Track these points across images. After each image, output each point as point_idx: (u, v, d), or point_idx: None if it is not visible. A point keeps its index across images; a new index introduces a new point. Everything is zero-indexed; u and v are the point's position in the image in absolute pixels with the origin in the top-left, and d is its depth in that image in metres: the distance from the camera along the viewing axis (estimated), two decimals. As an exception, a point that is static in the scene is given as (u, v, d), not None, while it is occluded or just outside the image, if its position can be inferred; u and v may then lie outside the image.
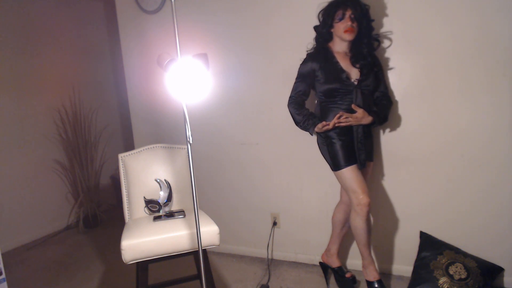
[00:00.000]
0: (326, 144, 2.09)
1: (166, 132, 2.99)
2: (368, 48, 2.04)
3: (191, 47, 2.60)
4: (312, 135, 2.13)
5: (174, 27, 1.46)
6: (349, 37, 1.98)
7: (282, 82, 2.45)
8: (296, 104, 2.14)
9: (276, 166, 2.64)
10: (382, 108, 2.10)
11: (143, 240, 1.72)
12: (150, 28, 2.92)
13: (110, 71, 4.36)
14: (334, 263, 2.31)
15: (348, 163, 2.02)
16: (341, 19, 1.98)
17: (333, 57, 2.05)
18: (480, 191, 2.12)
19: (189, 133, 1.50)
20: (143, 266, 1.78)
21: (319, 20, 2.10)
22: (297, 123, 2.14)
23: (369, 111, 2.02)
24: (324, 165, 2.21)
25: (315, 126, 2.05)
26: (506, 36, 1.96)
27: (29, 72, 3.52)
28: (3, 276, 2.05)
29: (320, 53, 2.09)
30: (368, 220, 2.01)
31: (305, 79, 2.12)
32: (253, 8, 2.54)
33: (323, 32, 2.08)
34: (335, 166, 2.06)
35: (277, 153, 2.62)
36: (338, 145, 2.03)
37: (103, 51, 4.31)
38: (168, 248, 1.75)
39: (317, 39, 2.14)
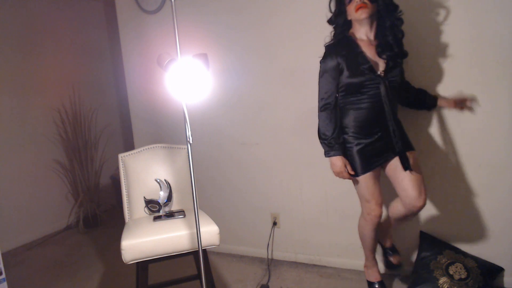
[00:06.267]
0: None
1: (166, 132, 2.99)
2: (393, 35, 1.79)
3: (191, 47, 2.60)
4: (325, 156, 1.92)
5: (174, 27, 1.46)
6: (362, 14, 1.74)
7: (282, 82, 2.45)
8: (330, 111, 1.87)
9: (276, 166, 2.64)
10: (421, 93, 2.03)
11: (143, 240, 1.72)
12: (150, 28, 2.92)
13: (110, 71, 4.36)
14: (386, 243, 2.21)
15: (365, 170, 1.86)
16: (350, 0, 1.78)
17: (357, 45, 1.82)
18: (480, 191, 2.11)
19: (189, 133, 1.50)
20: (143, 266, 1.78)
21: (330, 10, 1.92)
22: (321, 134, 1.90)
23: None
24: (324, 165, 2.21)
25: (333, 153, 1.86)
26: (507, 36, 1.96)
27: (29, 72, 3.52)
28: (3, 276, 2.05)
29: (342, 42, 1.85)
30: (376, 229, 1.98)
31: (332, 75, 1.85)
32: (253, 9, 2.54)
33: (339, 22, 1.86)
34: (357, 171, 1.89)
35: (277, 153, 2.62)
36: (355, 150, 1.86)
37: (103, 51, 4.31)
38: (168, 248, 1.75)
39: (335, 31, 1.91)
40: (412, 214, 1.91)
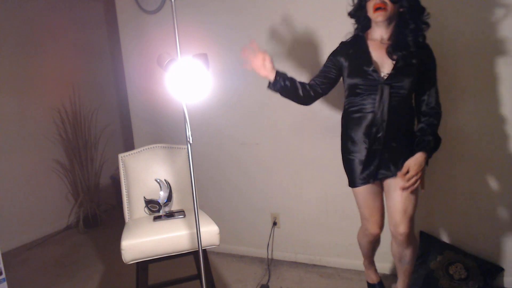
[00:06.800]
0: (341, 153, 1.83)
1: (166, 132, 2.99)
2: (414, 36, 1.61)
3: (191, 47, 2.59)
4: (270, 85, 1.85)
5: (174, 27, 1.46)
6: (379, 17, 1.59)
7: (282, 82, 2.44)
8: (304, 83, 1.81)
9: (276, 166, 2.64)
10: (426, 132, 1.66)
11: (143, 240, 1.72)
12: (150, 28, 2.92)
13: (110, 71, 4.36)
14: None
15: (362, 182, 1.73)
16: None
17: (365, 45, 1.69)
18: (480, 192, 2.11)
19: (189, 133, 1.50)
20: (143, 266, 1.78)
21: (353, 3, 1.77)
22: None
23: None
24: (324, 165, 2.21)
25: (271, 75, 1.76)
26: (508, 36, 1.96)
27: (29, 72, 3.52)
28: (3, 276, 2.05)
29: (353, 41, 1.76)
30: (374, 243, 1.93)
31: (328, 67, 1.78)
32: (253, 9, 2.54)
33: (360, 17, 1.72)
34: (349, 181, 1.80)
35: (277, 153, 2.62)
36: (356, 160, 1.73)
37: (103, 51, 4.31)
38: (168, 248, 1.75)
39: (356, 25, 1.79)
40: (399, 245, 1.75)
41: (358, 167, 1.73)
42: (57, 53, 3.78)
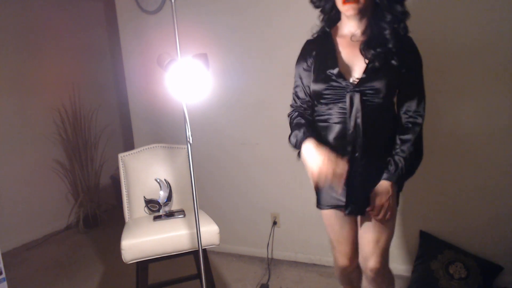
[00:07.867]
0: None
1: (166, 132, 2.99)
2: (393, 29, 1.32)
3: (191, 47, 2.60)
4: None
5: (174, 27, 1.46)
6: (349, 10, 1.32)
7: (282, 82, 2.45)
8: (300, 118, 1.47)
9: (276, 166, 2.64)
10: (395, 158, 1.36)
11: (143, 240, 1.72)
12: (150, 28, 2.92)
13: (110, 71, 4.36)
14: None
15: (326, 204, 1.46)
16: None
17: (333, 43, 1.42)
18: (480, 191, 2.12)
19: (189, 133, 1.50)
20: (143, 266, 1.78)
21: None
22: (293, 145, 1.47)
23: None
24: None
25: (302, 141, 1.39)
26: (507, 36, 1.96)
27: (29, 72, 3.52)
28: (3, 276, 2.05)
29: (320, 38, 1.47)
30: (349, 275, 1.63)
31: (303, 80, 1.48)
32: (253, 9, 2.54)
33: (326, 7, 1.43)
34: (317, 201, 1.52)
35: (277, 153, 2.62)
36: None
37: (103, 51, 4.31)
38: (168, 248, 1.75)
39: (322, 16, 1.48)
40: (369, 283, 1.52)
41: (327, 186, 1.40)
42: (57, 53, 3.78)
